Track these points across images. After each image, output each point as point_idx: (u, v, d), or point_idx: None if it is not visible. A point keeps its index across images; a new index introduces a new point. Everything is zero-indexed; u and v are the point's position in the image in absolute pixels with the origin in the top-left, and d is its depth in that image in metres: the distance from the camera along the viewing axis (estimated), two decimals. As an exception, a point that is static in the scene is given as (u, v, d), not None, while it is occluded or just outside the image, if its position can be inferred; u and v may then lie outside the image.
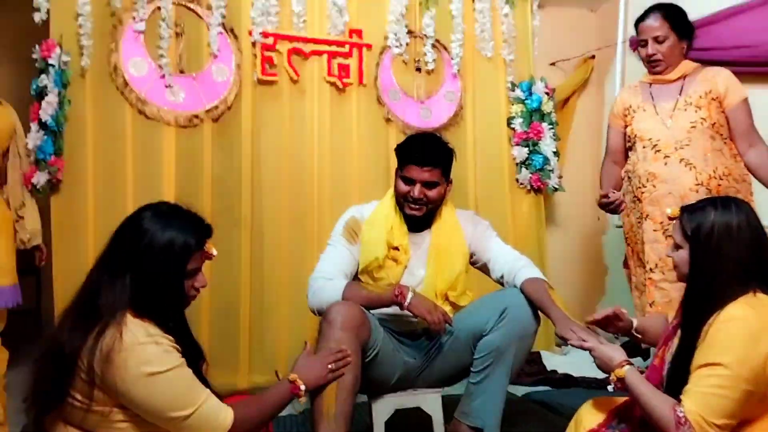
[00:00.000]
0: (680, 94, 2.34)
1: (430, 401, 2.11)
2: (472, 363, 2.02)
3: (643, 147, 2.37)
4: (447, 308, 2.09)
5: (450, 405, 2.11)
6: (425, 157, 2.03)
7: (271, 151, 2.92)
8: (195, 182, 2.77)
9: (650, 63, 2.38)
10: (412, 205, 2.06)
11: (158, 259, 1.31)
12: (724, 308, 1.36)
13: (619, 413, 1.61)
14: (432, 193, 2.06)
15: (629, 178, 2.47)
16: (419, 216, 2.08)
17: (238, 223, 2.82)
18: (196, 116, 2.76)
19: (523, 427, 2.27)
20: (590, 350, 1.59)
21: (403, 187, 2.05)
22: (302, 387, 1.60)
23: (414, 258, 2.11)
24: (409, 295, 1.92)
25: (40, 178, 2.44)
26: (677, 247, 1.51)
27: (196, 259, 1.38)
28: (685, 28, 2.37)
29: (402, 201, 2.07)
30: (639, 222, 2.42)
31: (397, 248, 2.08)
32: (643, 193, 2.37)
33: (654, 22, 2.34)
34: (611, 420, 1.61)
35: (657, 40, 2.33)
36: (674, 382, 1.43)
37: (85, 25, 2.55)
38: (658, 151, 2.34)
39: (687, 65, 2.38)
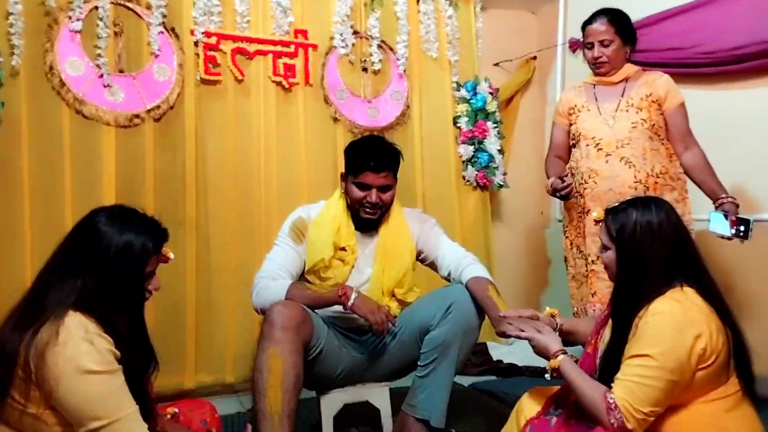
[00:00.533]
0: (622, 96, 2.44)
1: (377, 395, 2.14)
2: (419, 357, 2.05)
3: (587, 145, 2.46)
4: (394, 305, 2.12)
5: (398, 398, 2.15)
6: (381, 162, 2.05)
7: (216, 151, 2.89)
8: (137, 183, 2.71)
9: (595, 65, 2.48)
10: (369, 210, 2.08)
11: (116, 263, 1.30)
12: (652, 303, 1.43)
13: (557, 399, 1.68)
14: (386, 196, 2.09)
15: (572, 174, 2.55)
16: (374, 219, 2.11)
17: (182, 223, 2.78)
18: (137, 116, 2.71)
19: (469, 417, 2.33)
20: (528, 340, 1.64)
21: (359, 193, 2.07)
22: (352, 297, 1.86)
23: (362, 257, 2.13)
24: (353, 296, 1.94)
25: (-27, 181, 2.36)
26: (605, 248, 1.57)
27: (152, 262, 1.38)
28: (629, 32, 2.47)
29: (357, 207, 2.09)
30: (580, 216, 2.51)
31: (344, 249, 2.10)
32: (585, 189, 2.46)
33: (600, 26, 2.43)
34: (549, 407, 1.67)
35: (603, 44, 2.43)
36: (606, 371, 1.49)
37: (17, 24, 2.47)
38: (601, 149, 2.42)
39: (629, 68, 2.48)
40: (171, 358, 2.71)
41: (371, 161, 2.04)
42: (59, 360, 1.22)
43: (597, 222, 1.61)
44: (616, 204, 1.57)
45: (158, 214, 2.56)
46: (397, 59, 3.26)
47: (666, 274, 1.45)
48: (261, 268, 2.06)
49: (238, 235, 2.90)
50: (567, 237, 2.62)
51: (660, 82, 2.43)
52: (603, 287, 2.41)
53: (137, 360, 1.34)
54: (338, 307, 2.00)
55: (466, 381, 2.81)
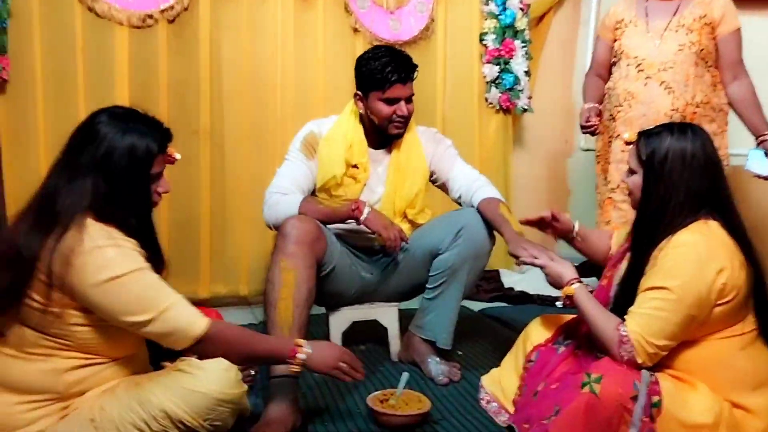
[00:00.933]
0: (675, 14, 2.28)
1: (386, 314, 2.15)
2: (428, 279, 2.04)
3: (627, 64, 2.33)
4: (405, 226, 2.09)
5: (406, 319, 2.16)
6: (407, 73, 1.98)
7: (232, 58, 2.79)
8: (150, 87, 2.65)
9: None
10: (399, 125, 2.02)
11: (121, 164, 1.29)
12: (675, 234, 1.38)
13: (567, 330, 1.66)
14: (411, 107, 2.04)
15: (609, 95, 2.43)
16: (402, 132, 2.05)
17: (196, 132, 2.73)
18: (150, 16, 2.60)
19: (477, 341, 2.34)
20: (541, 267, 1.61)
21: (387, 109, 1.99)
22: (301, 357, 1.43)
23: (374, 175, 2.08)
24: (366, 210, 1.91)
25: (-16, 77, 2.30)
26: (632, 172, 1.51)
27: (158, 163, 1.35)
28: None
29: (386, 124, 2.01)
30: (609, 141, 2.41)
31: (356, 166, 2.04)
32: (618, 112, 2.35)
33: None
34: (558, 336, 1.66)
35: None
36: (621, 303, 1.46)
37: None
38: (641, 70, 2.30)
39: None
40: (186, 267, 2.75)
41: (399, 73, 1.94)
42: (89, 268, 1.23)
43: (628, 143, 1.53)
44: (651, 128, 1.49)
45: (171, 121, 2.59)
46: (425, -33, 3.07)
47: (692, 205, 1.40)
48: (272, 183, 2.02)
49: (252, 145, 2.85)
50: (598, 162, 2.54)
51: (717, 3, 2.26)
52: (617, 217, 2.36)
53: (149, 262, 1.33)
54: (351, 224, 1.97)
55: (476, 306, 2.82)
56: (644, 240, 1.44)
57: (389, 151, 2.10)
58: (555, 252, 1.68)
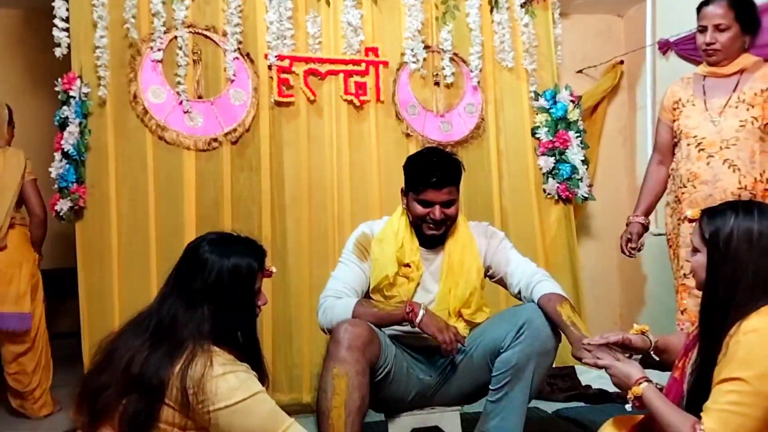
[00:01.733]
0: (734, 90, 2.21)
1: (447, 419, 2.04)
2: (490, 381, 1.94)
3: (688, 144, 2.26)
4: (461, 326, 2.02)
5: (469, 424, 2.04)
6: (442, 179, 1.96)
7: (291, 171, 2.93)
8: (216, 204, 2.80)
9: (706, 51, 2.23)
10: (432, 226, 2.01)
11: (231, 287, 1.39)
12: (746, 319, 1.27)
13: (641, 429, 1.52)
14: (450, 211, 2.01)
15: (673, 177, 2.36)
16: (439, 235, 2.03)
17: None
18: (215, 140, 2.81)
19: (549, 446, 2.17)
20: (606, 368, 1.50)
21: (421, 210, 1.99)
22: (420, 314, 1.78)
23: (427, 274, 2.06)
24: (421, 313, 1.86)
25: (63, 206, 2.52)
26: (695, 251, 1.42)
27: (259, 278, 1.46)
28: (751, 20, 2.20)
29: (419, 223, 2.01)
30: (679, 224, 2.30)
31: (408, 265, 2.02)
32: (683, 194, 2.26)
33: (718, 9, 2.17)
34: (632, 438, 1.52)
35: (718, 28, 2.17)
36: (695, 397, 1.33)
37: (103, 56, 2.64)
38: (702, 149, 2.22)
39: (746, 59, 2.22)
40: (249, 376, 2.76)
41: (432, 178, 1.95)
42: (221, 392, 1.30)
43: (691, 221, 1.45)
44: (716, 205, 1.41)
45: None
46: (471, 71, 3.18)
47: (763, 287, 1.29)
48: (326, 287, 2.03)
49: (313, 253, 2.91)
50: (670, 246, 2.41)
51: None
52: (693, 305, 2.19)
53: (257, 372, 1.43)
54: (407, 326, 1.93)
55: (550, 407, 2.64)
56: (713, 324, 1.33)
57: (442, 249, 2.08)
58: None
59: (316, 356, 2.82)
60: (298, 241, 2.91)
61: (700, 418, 1.26)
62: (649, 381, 1.40)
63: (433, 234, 2.02)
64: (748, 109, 2.17)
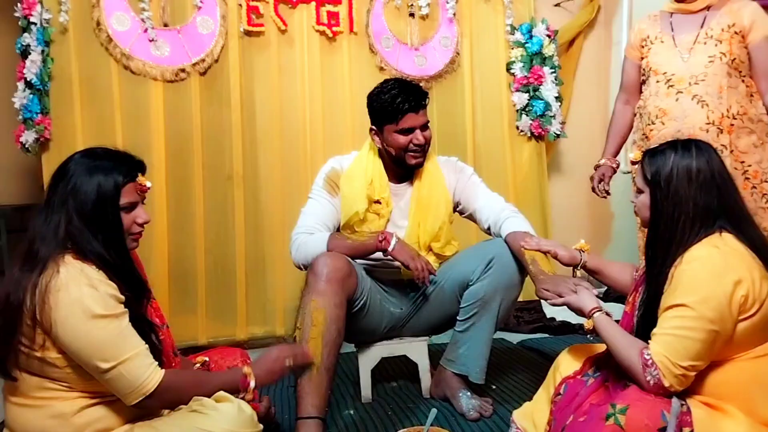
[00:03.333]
0: (702, 26, 2.22)
1: (416, 349, 2.12)
2: (458, 312, 2.00)
3: (657, 81, 2.27)
4: (431, 259, 2.06)
5: (436, 354, 2.11)
6: (418, 102, 1.98)
7: (262, 103, 2.87)
8: (185, 137, 2.75)
9: None
10: (417, 154, 2.01)
11: (88, 198, 1.31)
12: (688, 250, 1.34)
13: (597, 361, 1.59)
14: (428, 134, 2.03)
15: (640, 114, 2.38)
16: (421, 162, 2.04)
17: (230, 177, 2.81)
18: (183, 70, 2.73)
19: (513, 374, 2.27)
20: (564, 304, 1.57)
21: (403, 139, 1.99)
22: (252, 383, 1.46)
23: (396, 209, 2.08)
24: (393, 241, 1.90)
25: (28, 137, 2.45)
26: (639, 191, 1.48)
27: (129, 193, 1.37)
28: None
29: (403, 154, 2.01)
30: None
31: (378, 201, 2.04)
32: (651, 130, 2.29)
33: None
34: (588, 368, 1.59)
35: None
36: (644, 327, 1.41)
37: (63, -21, 2.51)
38: (671, 86, 2.24)
39: None
40: (222, 310, 2.80)
41: (407, 103, 1.95)
42: (63, 304, 1.24)
43: (634, 163, 1.50)
44: (656, 146, 1.45)
45: (206, 168, 2.67)
46: (446, 2, 3.10)
47: (703, 220, 1.35)
48: (297, 223, 2.04)
49: (285, 187, 2.90)
50: (635, 185, 2.46)
51: (746, 10, 2.18)
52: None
53: (130, 294, 1.35)
54: (379, 256, 1.96)
55: (515, 338, 2.74)
56: (658, 259, 1.40)
57: (411, 184, 2.10)
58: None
59: (289, 290, 2.86)
60: (270, 176, 2.89)
61: (648, 344, 1.33)
62: (601, 311, 1.47)
63: (417, 162, 2.03)
64: (716, 45, 2.19)
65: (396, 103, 1.96)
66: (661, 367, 1.28)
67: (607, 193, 2.50)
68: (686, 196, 1.35)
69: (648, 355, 1.31)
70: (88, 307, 1.25)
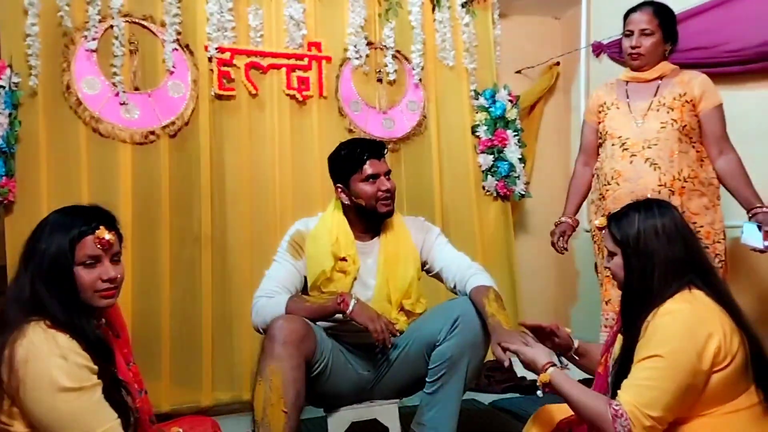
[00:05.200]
0: (655, 95, 2.34)
1: (386, 413, 2.08)
2: (427, 373, 1.99)
3: (612, 145, 2.38)
4: (402, 319, 2.06)
5: (407, 416, 2.08)
6: (377, 148, 2.07)
7: (232, 166, 2.89)
8: (153, 199, 2.73)
9: (631, 56, 2.37)
10: (387, 199, 2.06)
11: (45, 256, 1.28)
12: (662, 305, 1.37)
13: (569, 424, 1.58)
14: (393, 182, 2.09)
15: (597, 175, 2.47)
16: (392, 210, 2.08)
17: (198, 239, 2.79)
18: (152, 132, 2.74)
19: (484, 436, 2.24)
20: (516, 354, 1.57)
21: (370, 188, 2.04)
22: (352, 302, 1.78)
23: (363, 268, 2.08)
24: (352, 303, 1.89)
25: (-9, 200, 2.41)
26: (612, 255, 1.51)
27: (87, 246, 1.32)
28: (672, 30, 2.38)
29: (374, 203, 2.05)
30: None
31: (344, 259, 2.05)
32: (607, 190, 2.38)
33: (644, 15, 2.34)
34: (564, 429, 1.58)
35: (644, 33, 2.32)
36: (618, 383, 1.40)
37: (34, 45, 2.52)
38: (626, 149, 2.34)
39: (665, 66, 2.38)
40: (188, 375, 2.73)
41: (367, 152, 2.04)
42: (30, 376, 1.20)
43: (600, 229, 1.55)
44: (618, 210, 1.51)
45: (174, 229, 2.63)
46: (413, 69, 3.22)
47: (674, 273, 1.39)
48: (259, 287, 2.03)
49: (254, 250, 2.88)
50: (595, 242, 2.53)
51: (696, 82, 2.32)
52: (616, 295, 2.30)
53: (101, 361, 1.30)
54: (340, 317, 1.94)
55: (487, 399, 2.72)
56: (633, 315, 1.42)
57: (377, 241, 2.12)
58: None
59: (256, 354, 2.79)
60: (239, 237, 2.88)
61: (615, 397, 1.34)
62: (555, 365, 1.47)
63: (388, 210, 2.07)
64: (668, 112, 2.30)
65: (357, 153, 2.05)
66: (632, 418, 1.28)
67: (565, 249, 2.59)
68: (656, 251, 1.40)
69: (617, 405, 1.31)
70: (56, 380, 1.20)
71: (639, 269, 1.42)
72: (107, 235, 1.35)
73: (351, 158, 2.05)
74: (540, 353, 1.51)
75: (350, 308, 1.88)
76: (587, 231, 3.43)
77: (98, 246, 1.34)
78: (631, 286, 1.45)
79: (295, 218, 2.85)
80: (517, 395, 2.81)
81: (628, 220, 1.45)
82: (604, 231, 1.53)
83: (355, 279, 2.05)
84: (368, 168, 2.02)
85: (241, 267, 2.86)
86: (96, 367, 1.27)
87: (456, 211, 3.28)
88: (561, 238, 2.57)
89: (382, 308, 2.02)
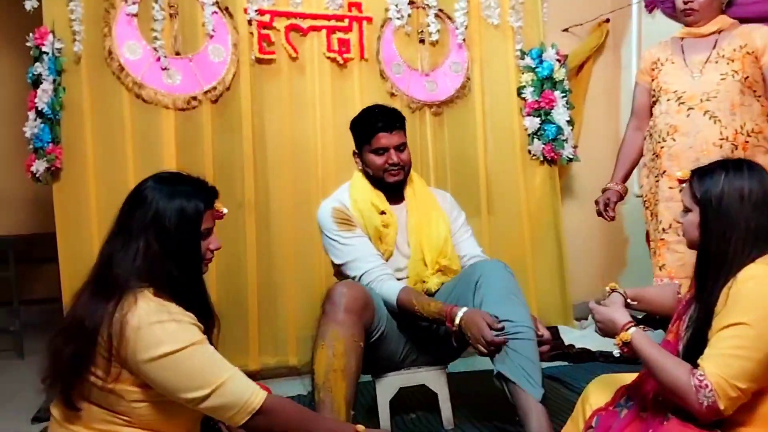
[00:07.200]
0: (714, 48, 2.21)
1: (435, 378, 2.06)
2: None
3: (668, 100, 2.26)
4: (437, 280, 2.05)
5: (455, 382, 2.06)
6: (390, 122, 2.04)
7: (273, 130, 2.86)
8: (197, 165, 2.71)
9: (684, 12, 2.25)
10: (394, 171, 2.05)
11: (171, 224, 1.31)
12: (741, 270, 1.28)
13: (629, 390, 1.52)
14: (405, 156, 2.07)
15: (650, 134, 2.35)
16: (401, 180, 2.08)
17: (242, 205, 2.78)
18: (195, 98, 2.72)
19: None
20: (591, 311, 1.50)
21: (379, 160, 2.04)
22: (458, 317, 1.70)
23: (398, 232, 2.08)
24: (458, 317, 1.80)
25: (39, 167, 2.43)
26: (687, 210, 1.42)
27: (207, 219, 1.38)
28: None
29: (381, 174, 2.05)
30: (657, 180, 2.30)
31: (383, 212, 2.06)
32: (662, 147, 2.26)
33: None
34: (620, 398, 1.52)
35: None
36: (692, 353, 1.33)
37: (77, 10, 2.51)
38: (683, 103, 2.22)
39: (724, 20, 2.24)
40: (234, 340, 2.73)
41: (379, 123, 2.02)
42: (147, 342, 1.23)
43: (682, 182, 1.45)
44: (704, 165, 1.41)
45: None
46: (456, 28, 3.11)
47: (755, 241, 1.30)
48: (354, 272, 1.99)
49: (296, 215, 2.87)
50: (647, 207, 2.42)
51: (759, 32, 2.18)
52: (673, 260, 2.22)
53: (203, 323, 1.35)
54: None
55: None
56: (709, 280, 1.34)
57: (404, 207, 2.12)
58: None
59: (301, 319, 2.81)
60: (282, 204, 2.86)
61: (697, 366, 1.26)
62: (637, 326, 1.40)
63: (396, 180, 2.07)
64: (728, 63, 2.17)
65: (368, 124, 2.04)
66: (718, 389, 1.21)
67: (612, 217, 2.47)
68: (738, 217, 1.32)
69: (702, 375, 1.24)
70: (175, 341, 1.24)
71: (717, 232, 1.33)
72: (224, 209, 1.44)
73: (363, 129, 2.06)
74: (619, 313, 1.43)
75: (455, 327, 1.81)
76: (638, 196, 3.31)
77: (214, 219, 1.41)
78: (707, 248, 1.36)
79: (336, 184, 2.81)
80: (565, 363, 2.75)
81: (713, 177, 1.36)
82: (684, 184, 1.44)
83: (396, 233, 2.06)
84: (378, 140, 2.02)
85: (285, 233, 2.85)
86: (202, 326, 1.32)
87: (501, 176, 3.20)
88: (607, 206, 2.46)
89: (418, 270, 2.03)
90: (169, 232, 1.31)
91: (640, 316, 1.78)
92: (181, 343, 1.24)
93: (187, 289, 1.33)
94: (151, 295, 1.27)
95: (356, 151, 2.12)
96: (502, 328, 1.76)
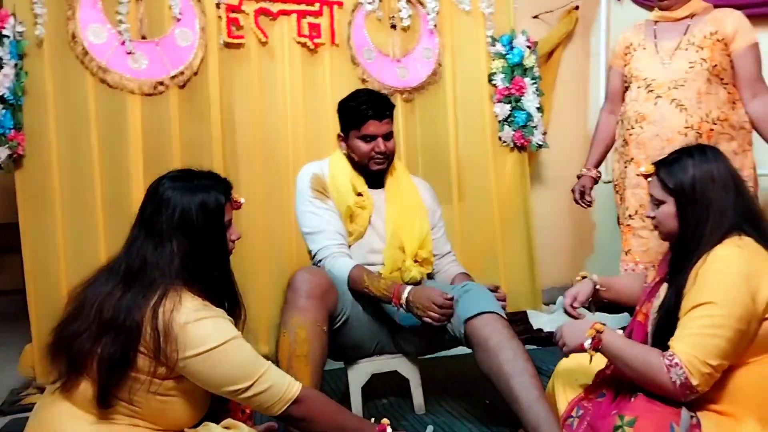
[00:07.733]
0: (684, 34, 2.23)
1: (406, 365, 2.08)
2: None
3: (638, 87, 2.28)
4: (415, 268, 2.05)
5: (427, 368, 2.07)
6: (381, 111, 2.01)
7: (243, 116, 2.82)
8: (164, 152, 2.67)
9: None
10: (379, 160, 2.03)
11: (198, 221, 1.34)
12: (711, 251, 1.33)
13: (606, 380, 1.55)
14: (391, 145, 2.06)
15: (621, 120, 2.38)
16: (384, 169, 2.07)
17: (211, 192, 2.74)
18: (161, 83, 2.66)
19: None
20: (557, 331, 1.54)
21: (365, 147, 2.02)
22: (404, 296, 1.74)
23: (375, 215, 2.07)
24: (404, 296, 1.83)
25: (1, 154, 2.35)
26: (659, 203, 1.45)
27: (228, 211, 1.42)
28: None
29: (366, 161, 2.03)
30: (626, 166, 2.34)
31: (360, 194, 2.06)
32: (630, 135, 2.29)
33: None
34: (598, 387, 1.55)
35: None
36: (662, 335, 1.38)
37: (38, -9, 2.44)
38: (651, 91, 2.24)
39: (697, 4, 2.25)
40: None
41: (371, 110, 1.99)
42: (190, 341, 1.27)
43: (646, 177, 1.48)
44: (666, 156, 1.44)
45: None
46: (428, 14, 3.10)
47: (725, 222, 1.35)
48: (313, 245, 1.99)
49: (267, 202, 2.84)
50: (617, 192, 2.45)
51: (729, 19, 2.19)
52: (637, 245, 2.26)
53: (231, 314, 1.39)
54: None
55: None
56: (682, 264, 1.38)
57: (382, 192, 2.11)
58: None
59: (272, 308, 2.79)
60: (252, 191, 2.81)
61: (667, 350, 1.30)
62: (600, 332, 1.41)
63: (379, 169, 2.05)
64: (697, 51, 2.19)
65: (360, 110, 2.00)
66: (689, 366, 1.25)
67: (590, 204, 2.50)
68: (713, 198, 1.36)
69: (671, 355, 1.28)
70: (219, 336, 1.29)
71: (694, 218, 1.37)
72: (242, 200, 1.47)
73: (353, 113, 2.02)
74: (577, 326, 1.47)
75: (402, 302, 1.83)
76: (606, 182, 3.36)
77: (232, 210, 1.44)
78: (685, 235, 1.40)
79: (308, 170, 2.84)
80: (533, 347, 2.80)
81: (680, 165, 1.40)
82: (650, 178, 1.46)
83: (371, 215, 2.06)
84: (367, 127, 2.00)
85: (254, 218, 2.81)
86: (233, 320, 1.38)
87: (471, 162, 3.21)
88: (583, 193, 2.49)
89: (395, 257, 2.02)
90: (196, 229, 1.34)
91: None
92: (224, 338, 1.29)
93: (222, 283, 1.39)
94: (187, 291, 1.31)
95: (341, 134, 2.09)
96: (452, 298, 1.80)
